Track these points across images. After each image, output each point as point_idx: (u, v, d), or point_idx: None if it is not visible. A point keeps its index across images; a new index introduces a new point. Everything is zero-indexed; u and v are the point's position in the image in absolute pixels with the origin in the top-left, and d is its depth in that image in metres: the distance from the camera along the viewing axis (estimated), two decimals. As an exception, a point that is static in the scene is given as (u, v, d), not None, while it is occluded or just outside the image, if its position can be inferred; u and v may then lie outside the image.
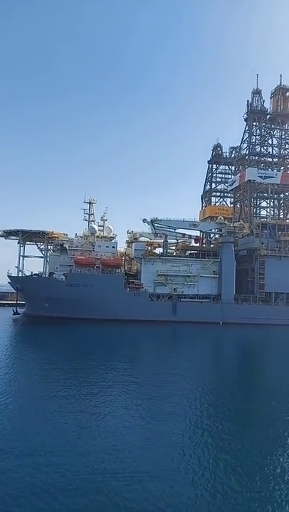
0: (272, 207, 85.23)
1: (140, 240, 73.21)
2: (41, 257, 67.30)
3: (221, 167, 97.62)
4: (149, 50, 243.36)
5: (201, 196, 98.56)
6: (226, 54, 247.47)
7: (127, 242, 76.10)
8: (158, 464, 14.61)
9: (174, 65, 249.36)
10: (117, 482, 13.06)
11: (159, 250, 72.80)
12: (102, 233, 70.37)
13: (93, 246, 66.25)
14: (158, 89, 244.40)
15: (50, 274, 64.54)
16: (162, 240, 71.35)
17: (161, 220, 69.48)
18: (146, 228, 71.68)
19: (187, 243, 74.77)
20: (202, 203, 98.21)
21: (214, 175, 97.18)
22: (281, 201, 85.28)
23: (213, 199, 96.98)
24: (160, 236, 71.72)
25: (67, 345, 42.77)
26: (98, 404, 21.16)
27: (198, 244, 75.99)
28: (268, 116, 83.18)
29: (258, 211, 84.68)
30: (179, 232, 72.59)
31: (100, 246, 66.44)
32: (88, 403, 21.31)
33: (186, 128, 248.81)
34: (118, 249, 70.74)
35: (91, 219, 69.61)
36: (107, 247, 67.06)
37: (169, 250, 72.57)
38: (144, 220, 69.96)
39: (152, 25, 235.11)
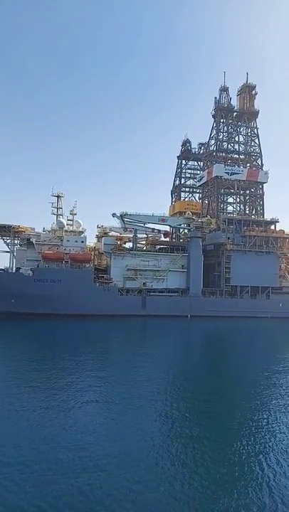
0: (238, 203, 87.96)
1: (110, 234, 73.11)
2: (7, 252, 65.38)
3: (190, 163, 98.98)
4: (119, 46, 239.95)
5: (171, 191, 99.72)
6: (194, 50, 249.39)
7: (97, 236, 75.74)
8: (127, 458, 14.78)
9: (142, 62, 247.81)
10: (85, 478, 13.14)
11: (128, 245, 73.08)
12: (70, 227, 69.41)
13: (61, 240, 65.31)
14: (128, 84, 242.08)
15: (17, 269, 63.03)
16: (132, 235, 71.65)
17: (130, 215, 69.71)
18: (116, 223, 71.76)
19: (157, 238, 75.61)
20: (172, 198, 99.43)
21: (183, 170, 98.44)
22: (247, 197, 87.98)
23: (182, 194, 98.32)
24: (130, 231, 72.02)
25: (34, 341, 42.14)
26: (65, 400, 21.16)
27: (167, 239, 76.95)
28: (235, 114, 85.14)
29: (224, 207, 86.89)
30: (149, 227, 73.19)
31: (68, 240, 65.62)
32: (55, 399, 21.29)
33: (156, 121, 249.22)
34: (87, 243, 70.23)
35: (59, 213, 68.50)
36: (76, 241, 66.35)
37: (138, 245, 73.05)
38: (114, 215, 69.92)
39: (121, 22, 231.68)
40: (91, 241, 74.63)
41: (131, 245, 71.79)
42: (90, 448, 15.41)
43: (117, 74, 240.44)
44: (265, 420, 19.70)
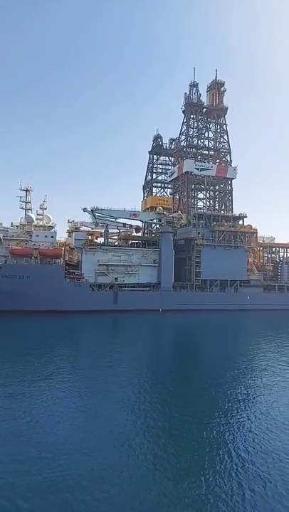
0: (208, 198, 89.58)
1: (81, 229, 72.24)
2: (-27, 248, 62.86)
3: (162, 158, 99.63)
4: (89, 38, 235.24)
5: (143, 186, 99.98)
6: (166, 45, 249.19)
7: (68, 231, 74.59)
8: (101, 461, 14.57)
9: (116, 53, 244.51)
10: (58, 482, 12.98)
11: (100, 240, 72.54)
12: (40, 222, 67.82)
13: (30, 236, 63.80)
14: (100, 75, 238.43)
15: (-16, 265, 60.86)
16: (103, 230, 71.14)
17: (102, 210, 69.20)
18: (87, 218, 71.03)
19: (128, 233, 75.60)
20: (144, 193, 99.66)
21: (155, 166, 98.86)
22: (216, 193, 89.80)
23: (154, 189, 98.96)
24: (101, 225, 71.50)
25: (2, 339, 41.11)
26: (35, 400, 20.80)
27: (139, 234, 77.13)
28: (204, 110, 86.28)
29: (195, 202, 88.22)
30: (120, 222, 73.00)
31: (37, 235, 64.25)
32: (25, 399, 20.95)
33: (129, 117, 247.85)
34: (58, 238, 69.01)
35: (28, 207, 66.71)
36: (46, 236, 65.06)
37: (110, 240, 72.75)
38: (85, 209, 69.18)
39: (89, 15, 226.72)
40: (62, 236, 73.53)
41: (102, 240, 71.37)
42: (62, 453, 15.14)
43: (91, 62, 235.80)
44: (236, 411, 20.44)
